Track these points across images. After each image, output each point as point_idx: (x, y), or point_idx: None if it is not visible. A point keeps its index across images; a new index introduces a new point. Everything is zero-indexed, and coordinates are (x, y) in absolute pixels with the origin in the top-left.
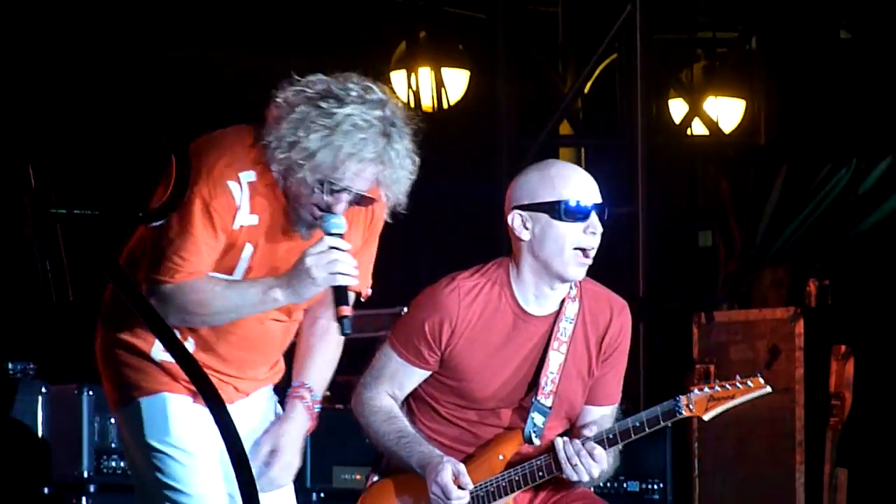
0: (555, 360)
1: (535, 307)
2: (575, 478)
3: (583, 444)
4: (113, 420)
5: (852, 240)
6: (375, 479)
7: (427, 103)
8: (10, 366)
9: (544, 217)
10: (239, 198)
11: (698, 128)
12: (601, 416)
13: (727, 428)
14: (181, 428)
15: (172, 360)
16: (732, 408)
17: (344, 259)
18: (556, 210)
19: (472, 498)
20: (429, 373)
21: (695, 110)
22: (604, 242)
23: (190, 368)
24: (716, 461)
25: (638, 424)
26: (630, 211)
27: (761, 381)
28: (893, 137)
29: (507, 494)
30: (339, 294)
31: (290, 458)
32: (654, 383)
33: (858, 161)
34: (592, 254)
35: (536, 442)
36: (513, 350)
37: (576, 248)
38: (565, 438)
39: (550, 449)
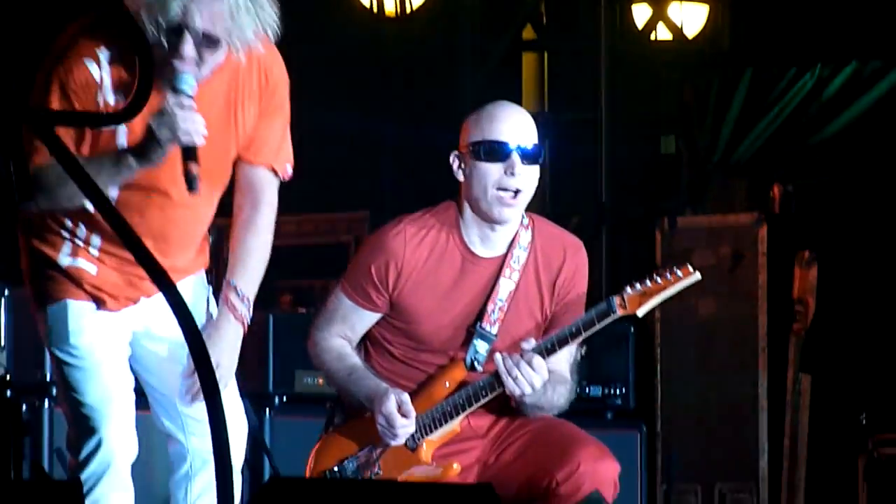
0: (505, 287)
1: (482, 249)
2: (518, 391)
3: (521, 356)
4: None
5: (816, 146)
6: (329, 430)
7: (390, 8)
8: None
9: (470, 158)
10: (98, 75)
11: (662, 32)
12: (557, 359)
13: (690, 333)
14: (80, 335)
15: (79, 266)
16: (666, 299)
17: (187, 118)
18: (478, 150)
19: (418, 426)
20: (379, 315)
21: (658, 15)
22: (566, 149)
23: (137, 250)
24: (678, 366)
25: (574, 330)
26: (593, 116)
27: (690, 269)
28: (857, 42)
29: (452, 418)
30: (185, 153)
31: (221, 370)
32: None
33: (822, 66)
34: (520, 196)
35: (479, 369)
36: (462, 291)
37: (498, 189)
38: (504, 353)
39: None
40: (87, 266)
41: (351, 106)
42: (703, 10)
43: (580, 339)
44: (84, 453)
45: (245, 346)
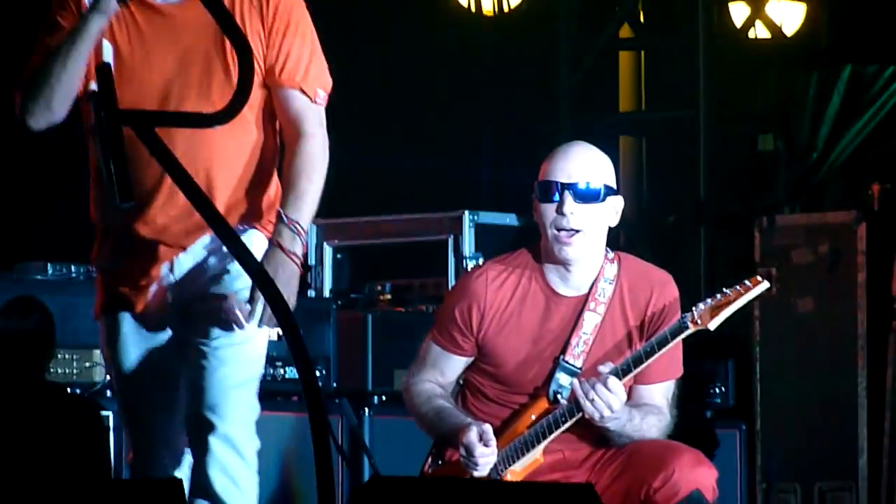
0: (590, 320)
1: (564, 288)
2: (597, 415)
3: (597, 379)
4: None
5: None
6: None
7: (488, 7)
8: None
9: (535, 200)
10: None
11: (760, 31)
12: (651, 394)
13: (789, 332)
14: (114, 347)
15: (110, 270)
16: (738, 310)
17: None
18: (536, 191)
19: (501, 458)
20: (468, 359)
21: (756, 13)
22: (665, 147)
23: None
24: (777, 365)
25: (649, 349)
26: (690, 115)
27: (759, 278)
28: None
29: (533, 447)
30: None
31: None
32: (716, 289)
33: None
34: (578, 236)
35: (562, 402)
36: (547, 330)
37: (556, 229)
38: (581, 378)
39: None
40: None
41: (448, 104)
42: (801, 8)
43: (655, 357)
44: None
45: (344, 345)
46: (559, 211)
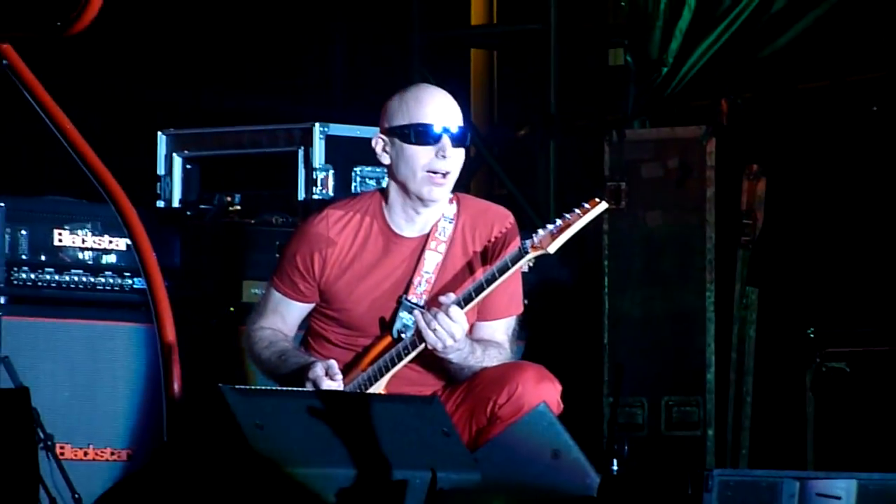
0: (431, 259)
1: (408, 229)
2: (440, 345)
3: (439, 308)
4: (24, 231)
5: (765, 59)
6: None
7: None
8: None
9: (398, 141)
10: None
11: None
12: (497, 326)
13: (637, 246)
14: None
15: None
16: (577, 232)
17: None
18: (407, 134)
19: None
20: (309, 306)
21: None
22: (516, 61)
23: None
24: (625, 279)
25: (490, 276)
26: (541, 28)
27: (597, 199)
28: None
29: (378, 380)
30: None
31: None
32: (564, 202)
33: None
34: (449, 177)
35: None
36: (386, 272)
37: (428, 171)
38: (422, 309)
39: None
40: None
41: (299, 19)
42: None
43: (496, 284)
44: None
45: (192, 256)
46: (439, 155)
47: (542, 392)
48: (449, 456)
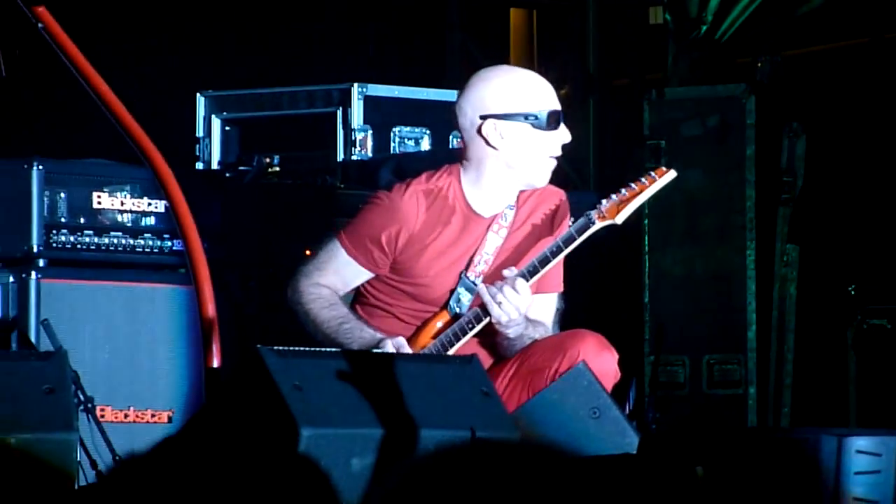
0: (491, 241)
1: (487, 209)
2: (505, 318)
3: (504, 282)
4: (63, 194)
5: (804, 16)
6: None
7: None
8: None
9: (524, 126)
10: None
11: None
12: (543, 302)
13: (677, 206)
14: None
15: None
16: (646, 201)
17: None
18: (541, 119)
19: None
20: (372, 274)
21: None
22: (554, 18)
23: None
24: (666, 238)
25: (555, 248)
26: None
27: (663, 169)
28: None
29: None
30: None
31: None
32: (604, 161)
33: None
34: None
35: (462, 314)
36: (462, 248)
37: (550, 157)
38: (488, 284)
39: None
40: None
41: None
42: None
43: (561, 256)
44: None
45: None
46: (560, 139)
47: (602, 361)
48: (488, 416)
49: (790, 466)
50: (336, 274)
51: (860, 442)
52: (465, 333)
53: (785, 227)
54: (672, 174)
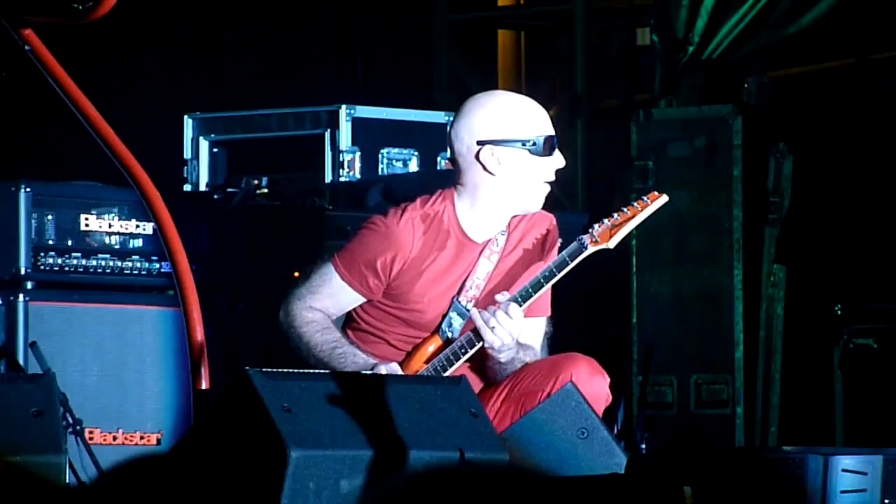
0: (483, 267)
1: (480, 234)
2: (498, 343)
3: (497, 307)
4: (50, 217)
5: (792, 36)
6: None
7: None
8: None
9: (521, 153)
10: None
11: None
12: (532, 327)
13: (665, 226)
14: None
15: None
16: (638, 225)
17: None
18: (537, 145)
19: None
20: (365, 299)
21: None
22: (542, 39)
23: None
24: (653, 258)
25: (548, 273)
26: (567, 8)
27: (656, 193)
28: None
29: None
30: None
31: None
32: (592, 182)
33: None
34: None
35: (453, 339)
36: (457, 275)
37: (545, 182)
38: (480, 309)
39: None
40: None
41: (322, 3)
42: None
43: (554, 281)
44: None
45: (219, 239)
46: (555, 165)
47: (594, 385)
48: (477, 436)
49: (777, 485)
50: (330, 298)
51: (846, 461)
52: (458, 358)
53: (772, 248)
54: (664, 199)
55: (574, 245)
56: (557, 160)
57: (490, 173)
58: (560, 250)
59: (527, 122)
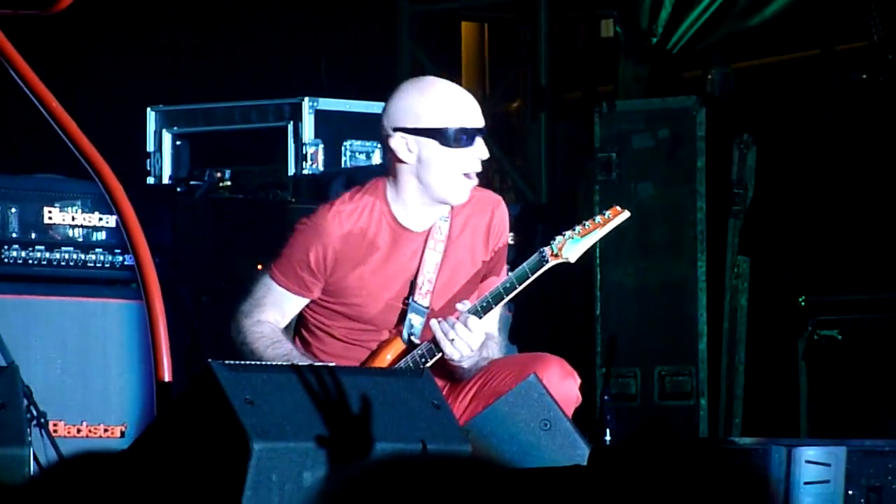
0: (430, 259)
1: (415, 224)
2: (457, 356)
3: (457, 319)
4: (13, 209)
5: (756, 27)
6: None
7: None
8: None
9: (432, 143)
10: None
11: None
12: (485, 320)
13: (628, 218)
14: None
15: None
16: (599, 240)
17: None
18: (446, 136)
19: None
20: (308, 300)
21: None
22: (506, 31)
23: None
24: (617, 250)
25: (508, 285)
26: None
27: (618, 208)
28: None
29: None
30: None
31: None
32: (556, 174)
33: None
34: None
35: (416, 342)
36: (395, 265)
37: (464, 175)
38: (440, 319)
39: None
40: None
41: None
42: None
43: (515, 293)
44: None
45: (183, 232)
46: (475, 157)
47: (565, 387)
48: (440, 428)
49: (740, 476)
50: (274, 307)
51: (810, 452)
52: (419, 368)
53: (735, 239)
54: (626, 214)
55: (535, 257)
56: (478, 152)
57: (403, 161)
58: (519, 249)
59: (441, 110)
